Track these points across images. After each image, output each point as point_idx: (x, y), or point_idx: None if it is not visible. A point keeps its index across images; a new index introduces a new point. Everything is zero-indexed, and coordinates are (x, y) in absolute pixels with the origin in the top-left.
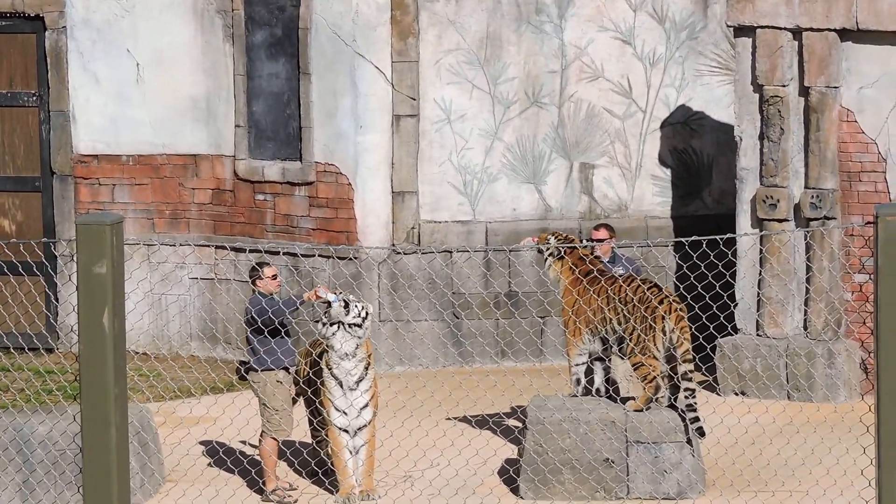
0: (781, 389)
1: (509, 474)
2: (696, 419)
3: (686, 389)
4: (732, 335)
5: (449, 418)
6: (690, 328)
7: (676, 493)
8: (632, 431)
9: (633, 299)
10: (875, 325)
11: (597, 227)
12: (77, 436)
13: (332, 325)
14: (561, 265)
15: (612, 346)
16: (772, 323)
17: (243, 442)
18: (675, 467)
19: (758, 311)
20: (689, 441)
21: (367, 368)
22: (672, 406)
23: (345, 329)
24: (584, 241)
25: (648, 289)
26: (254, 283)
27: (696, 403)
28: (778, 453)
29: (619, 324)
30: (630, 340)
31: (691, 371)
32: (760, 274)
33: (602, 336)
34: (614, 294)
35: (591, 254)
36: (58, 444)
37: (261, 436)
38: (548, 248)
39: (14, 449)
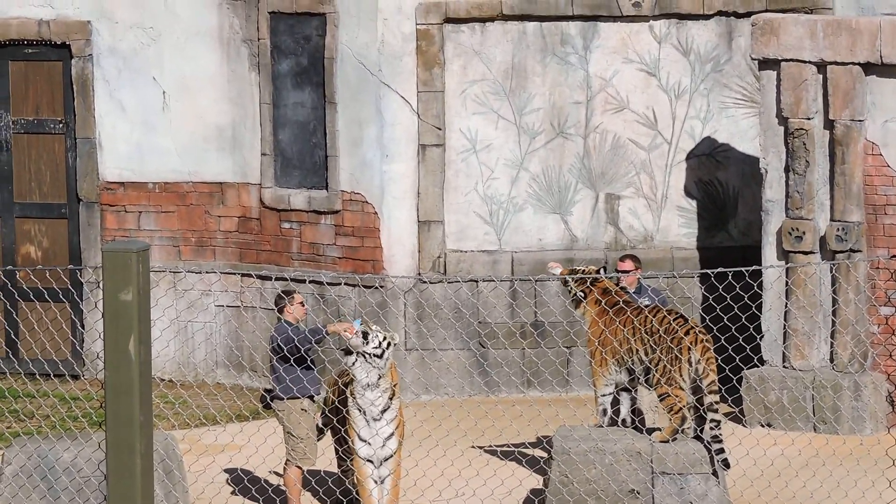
0: (807, 422)
1: None
2: (722, 450)
3: (712, 421)
4: (758, 367)
5: (474, 448)
6: (716, 359)
7: None
8: (657, 463)
9: (659, 330)
10: None
11: (622, 259)
12: (102, 463)
13: (350, 354)
14: (586, 296)
15: (638, 377)
16: (798, 355)
17: (268, 471)
18: (700, 499)
19: (784, 342)
20: (714, 473)
21: (391, 398)
22: (698, 437)
23: (365, 359)
24: (609, 273)
25: (674, 319)
26: (280, 310)
27: (721, 435)
28: (804, 486)
29: (646, 354)
30: (656, 371)
31: (717, 402)
32: (786, 306)
33: (628, 367)
34: (640, 324)
35: (616, 284)
36: (83, 472)
37: (285, 464)
38: (574, 280)
39: (39, 476)
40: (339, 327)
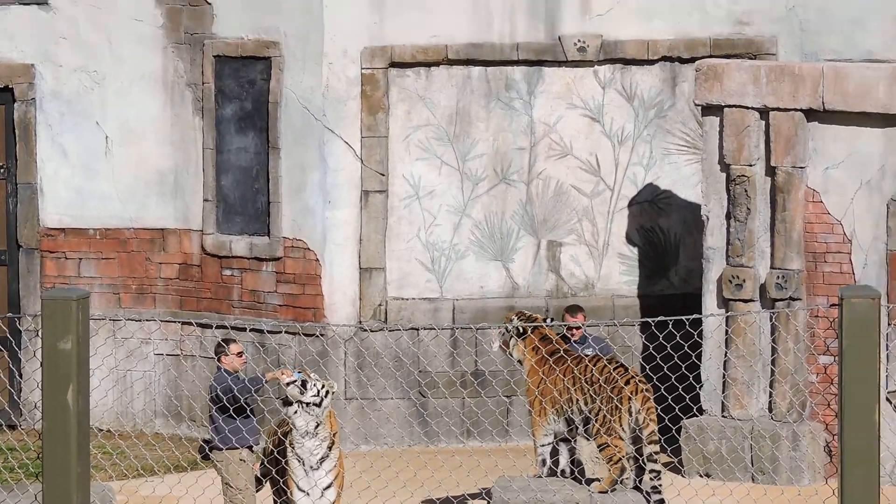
0: (746, 472)
1: None
2: (662, 501)
3: (652, 471)
4: (698, 416)
5: (413, 500)
6: (656, 409)
7: None
8: None
9: (599, 379)
10: (839, 408)
11: (572, 312)
12: None
13: (289, 404)
14: (524, 345)
15: (577, 427)
16: (737, 404)
17: None
18: None
19: (723, 392)
20: None
21: (330, 448)
22: (637, 488)
23: (303, 408)
24: (548, 321)
25: (615, 369)
26: (219, 359)
27: (661, 486)
28: None
29: (585, 404)
30: (596, 421)
31: (657, 453)
32: (726, 355)
33: (567, 416)
34: (580, 374)
35: (556, 334)
36: None
37: None
38: (509, 331)
39: None
40: (276, 373)
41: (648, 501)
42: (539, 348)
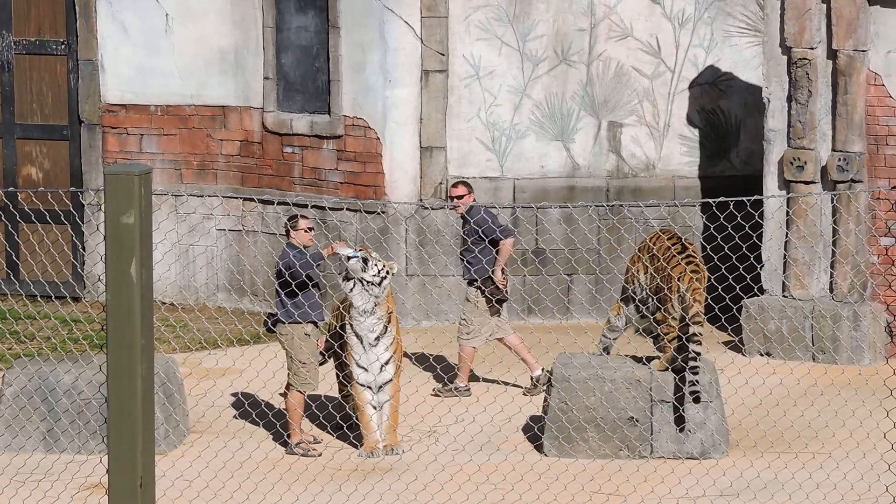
0: (806, 351)
1: (534, 431)
2: (696, 382)
3: (693, 352)
4: (758, 296)
5: (474, 374)
6: (711, 289)
7: (700, 453)
8: (657, 391)
9: (659, 258)
10: None
11: (455, 185)
12: (102, 385)
13: (349, 280)
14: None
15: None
16: (798, 285)
17: (270, 395)
18: (699, 427)
19: (784, 272)
20: (680, 408)
21: (387, 327)
22: (676, 368)
23: (362, 286)
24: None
25: (673, 246)
26: (287, 234)
27: (699, 367)
28: (802, 415)
29: (647, 282)
30: (654, 298)
31: (699, 334)
32: (787, 236)
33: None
34: (643, 254)
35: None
36: (83, 394)
37: (287, 389)
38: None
39: (39, 398)
40: (332, 246)
41: (684, 382)
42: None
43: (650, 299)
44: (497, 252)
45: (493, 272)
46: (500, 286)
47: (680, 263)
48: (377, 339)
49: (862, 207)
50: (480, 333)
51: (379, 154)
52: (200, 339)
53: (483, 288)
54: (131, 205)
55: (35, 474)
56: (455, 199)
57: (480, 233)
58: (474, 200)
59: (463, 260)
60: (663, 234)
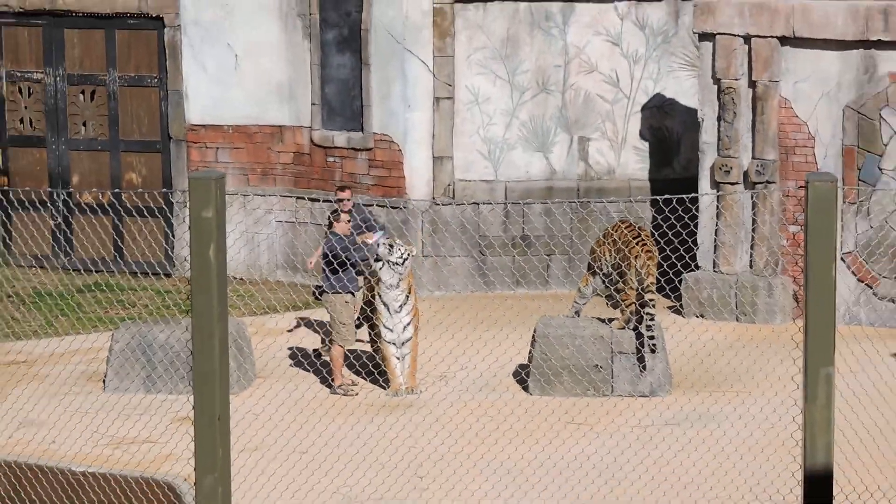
0: (731, 314)
1: (521, 376)
2: (652, 337)
3: (647, 313)
4: (695, 271)
5: (475, 333)
6: (657, 266)
7: (650, 392)
8: (616, 345)
9: (618, 242)
10: (805, 265)
11: (341, 189)
12: (188, 342)
13: (378, 261)
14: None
15: (603, 279)
16: (725, 262)
17: (318, 350)
18: (649, 372)
19: (714, 253)
20: (642, 356)
21: (408, 297)
22: (636, 326)
23: (389, 266)
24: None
25: (629, 232)
26: (331, 225)
27: (653, 324)
28: (728, 363)
29: (608, 261)
30: (615, 272)
31: (652, 300)
32: (717, 225)
33: (601, 274)
34: (607, 239)
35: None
36: (174, 349)
37: (330, 343)
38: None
39: (140, 351)
40: (365, 236)
41: (642, 334)
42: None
43: (613, 274)
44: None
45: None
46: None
47: (636, 246)
48: (400, 306)
49: (775, 202)
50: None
51: (401, 162)
52: (264, 305)
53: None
54: (209, 202)
55: (137, 410)
56: (344, 202)
57: (371, 223)
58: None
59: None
60: (622, 223)
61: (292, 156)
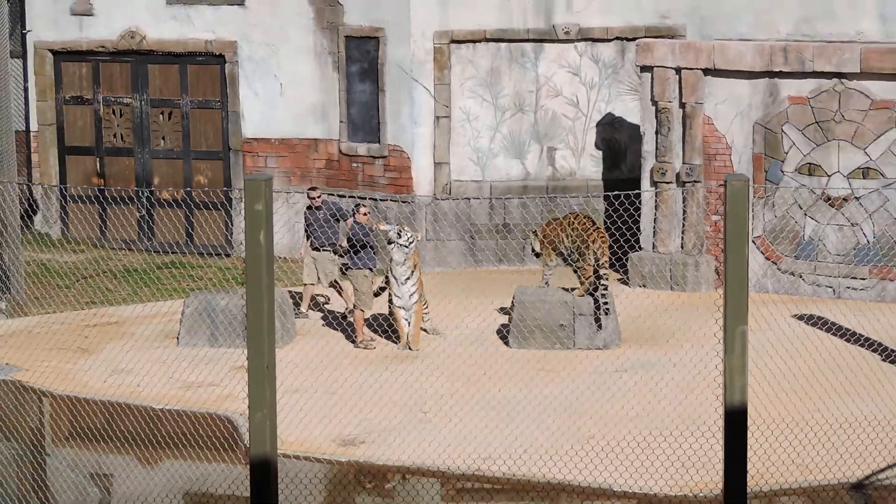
0: (667, 284)
1: (503, 333)
2: (606, 303)
3: (602, 285)
4: (638, 251)
5: (468, 300)
6: (610, 248)
7: (603, 346)
8: (577, 308)
9: (578, 229)
10: (724, 246)
11: (312, 189)
12: (244, 307)
13: (391, 243)
14: (535, 235)
15: (566, 257)
16: (662, 244)
17: (345, 312)
18: (603, 329)
19: (654, 237)
20: (598, 317)
21: (413, 272)
22: (592, 293)
23: (398, 247)
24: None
25: (586, 222)
26: (354, 215)
27: (607, 293)
28: (665, 322)
29: (569, 245)
30: (574, 253)
31: (606, 274)
32: (655, 215)
33: (560, 253)
34: (564, 229)
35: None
36: (232, 312)
37: (354, 308)
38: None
39: (206, 315)
40: (380, 224)
41: (598, 301)
42: (545, 228)
43: (574, 254)
44: (339, 226)
45: (339, 241)
46: (340, 248)
47: (593, 233)
48: (406, 279)
49: (701, 197)
50: (311, 274)
51: (409, 167)
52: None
53: (336, 250)
54: (260, 198)
55: (204, 360)
56: (315, 199)
57: (338, 216)
58: (322, 198)
59: (312, 234)
60: (582, 215)
61: (325, 162)
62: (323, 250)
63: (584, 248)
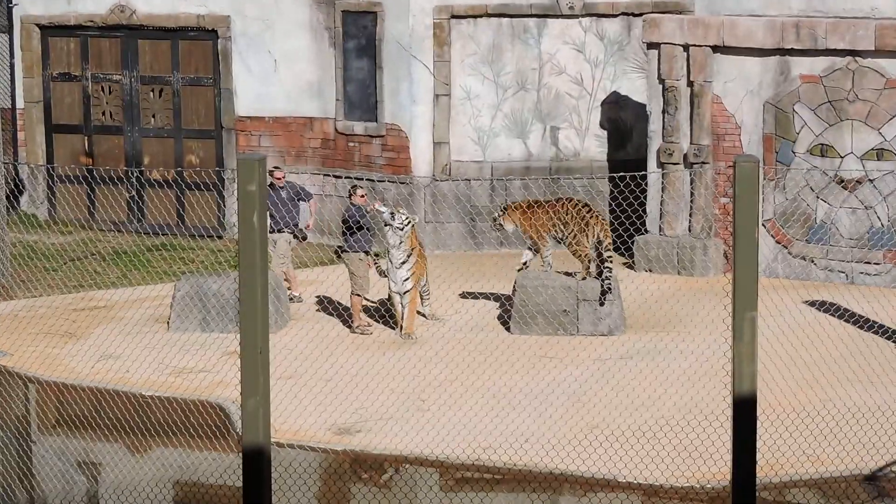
0: (674, 268)
1: (504, 318)
2: (610, 285)
3: (606, 267)
4: (644, 234)
5: (468, 283)
6: (615, 230)
7: (608, 332)
8: (580, 293)
9: (573, 214)
10: (734, 229)
11: (276, 168)
12: (236, 291)
13: (386, 226)
14: (511, 216)
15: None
16: (669, 227)
17: (340, 298)
18: (607, 316)
19: (660, 219)
20: (603, 291)
21: (408, 256)
22: (597, 276)
23: (392, 230)
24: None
25: (583, 207)
26: (350, 197)
27: (610, 276)
28: (672, 308)
29: (562, 229)
30: (568, 237)
31: (609, 257)
32: (662, 197)
33: (554, 237)
34: (557, 213)
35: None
36: (224, 296)
37: (351, 293)
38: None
39: (198, 298)
40: (374, 205)
41: (602, 283)
42: (525, 211)
43: (570, 240)
44: (309, 205)
45: (300, 223)
46: (305, 229)
47: (591, 219)
48: (401, 264)
49: (709, 179)
50: (285, 258)
51: (407, 147)
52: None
53: (296, 234)
54: (253, 178)
55: (195, 345)
56: (279, 179)
57: (302, 196)
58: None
59: (272, 216)
60: (580, 203)
61: (320, 141)
62: (280, 232)
63: (581, 235)
